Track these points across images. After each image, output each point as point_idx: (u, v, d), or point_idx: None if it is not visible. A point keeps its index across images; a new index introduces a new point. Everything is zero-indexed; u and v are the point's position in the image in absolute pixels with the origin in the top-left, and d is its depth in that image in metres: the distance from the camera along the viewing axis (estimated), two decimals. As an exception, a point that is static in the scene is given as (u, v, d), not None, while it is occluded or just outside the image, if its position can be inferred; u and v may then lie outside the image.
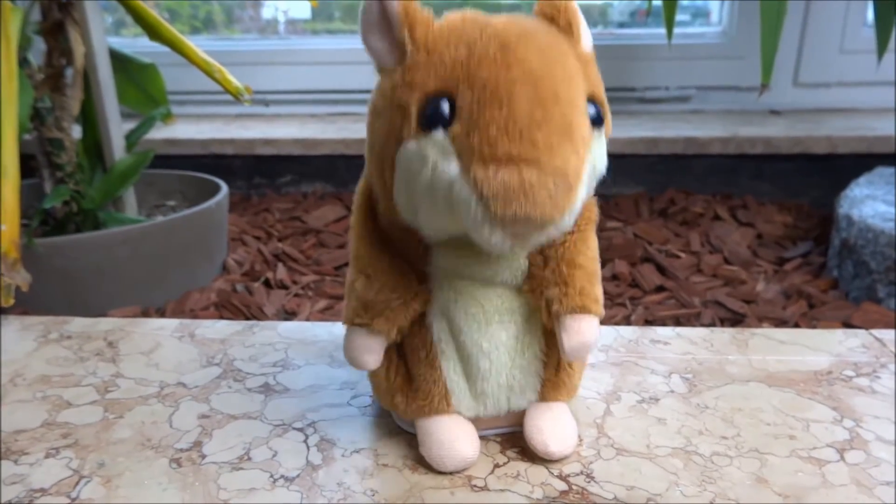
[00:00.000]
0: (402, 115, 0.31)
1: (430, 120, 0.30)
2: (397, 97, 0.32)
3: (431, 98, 0.30)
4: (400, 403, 0.40)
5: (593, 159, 0.32)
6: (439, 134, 0.30)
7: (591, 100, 0.32)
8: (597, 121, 0.32)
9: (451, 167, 0.29)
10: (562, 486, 0.38)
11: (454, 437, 0.39)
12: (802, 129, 1.03)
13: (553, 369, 0.40)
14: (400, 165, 0.32)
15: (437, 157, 0.30)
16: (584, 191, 0.30)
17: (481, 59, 0.29)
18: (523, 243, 0.30)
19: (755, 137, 0.99)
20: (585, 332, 0.36)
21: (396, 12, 0.32)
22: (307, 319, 0.69)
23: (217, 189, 0.81)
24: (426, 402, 0.39)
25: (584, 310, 0.37)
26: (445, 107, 0.30)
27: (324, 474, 0.39)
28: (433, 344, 0.39)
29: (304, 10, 1.34)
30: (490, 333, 0.38)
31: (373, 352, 0.38)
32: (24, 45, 0.69)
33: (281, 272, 0.80)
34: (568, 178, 0.28)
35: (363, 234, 0.38)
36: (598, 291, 0.38)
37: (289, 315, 0.71)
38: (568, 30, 0.34)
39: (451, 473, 0.39)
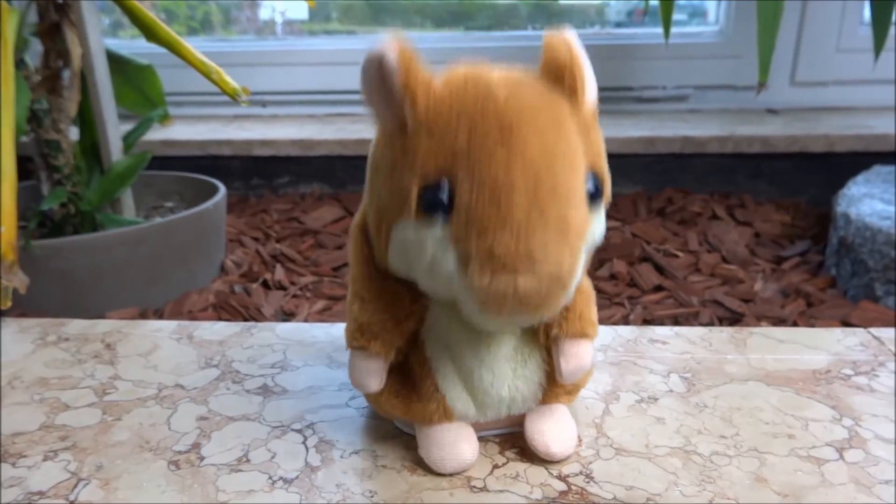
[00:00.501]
0: (401, 195, 0.31)
1: (430, 206, 0.30)
2: (397, 175, 0.32)
3: (431, 182, 0.30)
4: (399, 418, 0.41)
5: (591, 237, 0.33)
6: (438, 223, 0.30)
7: (591, 170, 0.32)
8: (595, 195, 0.32)
9: (449, 262, 0.30)
10: (561, 486, 0.38)
11: (453, 439, 0.39)
12: (800, 127, 1.03)
13: (556, 378, 0.40)
14: (396, 238, 0.33)
15: (435, 248, 0.31)
16: (578, 278, 0.31)
17: (482, 142, 0.29)
18: (514, 328, 0.34)
19: (753, 136, 1.00)
20: (582, 356, 0.37)
21: (396, 77, 0.30)
22: (305, 320, 0.69)
23: (215, 190, 0.81)
24: (425, 416, 0.39)
25: (582, 335, 0.37)
26: (445, 195, 0.30)
27: (322, 476, 0.39)
28: (429, 360, 0.39)
29: (301, 11, 1.34)
30: (490, 346, 0.38)
31: (373, 374, 0.38)
32: (20, 46, 0.69)
33: (279, 273, 0.80)
34: (562, 280, 0.29)
35: (358, 257, 0.38)
36: (594, 313, 0.39)
37: (287, 316, 0.71)
38: (573, 91, 0.32)
39: (450, 475, 0.39)
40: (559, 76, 0.32)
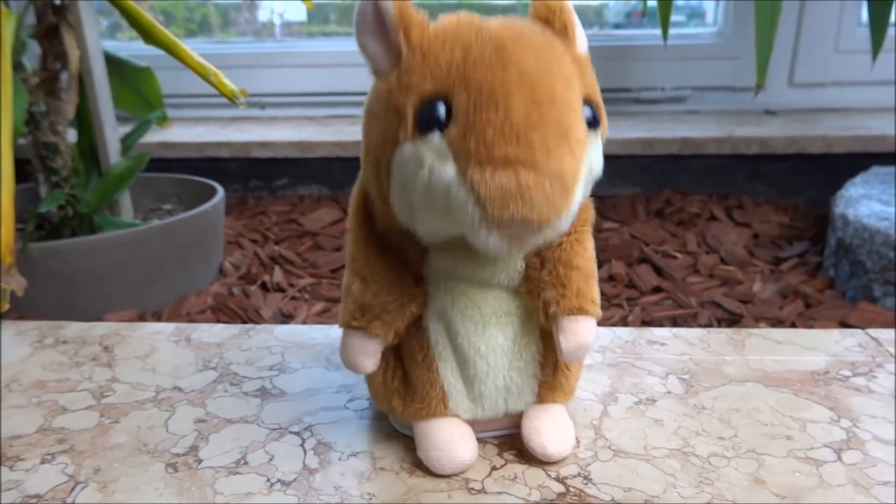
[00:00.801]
0: (397, 117, 0.31)
1: (427, 122, 0.30)
2: (393, 100, 0.32)
3: (427, 100, 0.30)
4: (397, 406, 0.40)
5: (589, 161, 0.32)
6: (435, 137, 0.30)
7: (587, 102, 0.32)
8: (593, 123, 0.32)
9: (448, 170, 0.29)
10: (559, 488, 0.38)
11: (452, 439, 0.39)
12: (798, 128, 1.03)
13: (550, 371, 0.40)
14: (396, 168, 0.32)
15: (433, 160, 0.30)
16: (580, 192, 0.30)
17: (477, 61, 0.29)
18: (520, 245, 0.31)
19: (751, 137, 1.00)
20: (583, 333, 0.36)
21: (391, 15, 0.31)
22: (304, 322, 0.69)
23: (213, 192, 0.81)
24: (423, 405, 0.39)
25: (581, 311, 0.37)
26: (441, 109, 0.30)
27: (321, 478, 0.39)
28: (430, 346, 0.39)
29: (299, 13, 1.34)
30: (487, 335, 0.38)
31: (369, 355, 0.38)
32: (18, 48, 0.69)
33: (277, 275, 0.80)
34: (565, 180, 0.28)
35: (359, 237, 0.38)
36: (595, 293, 0.38)
37: (286, 318, 0.71)
38: (563, 32, 0.33)
39: (448, 476, 0.39)
40: (549, 20, 0.34)
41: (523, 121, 0.28)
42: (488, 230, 0.29)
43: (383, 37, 0.32)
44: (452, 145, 0.29)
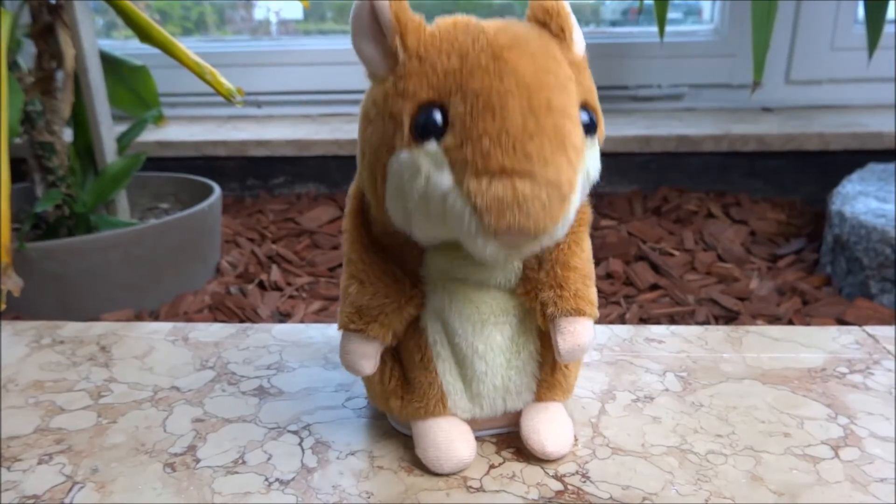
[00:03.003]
0: (394, 124, 0.31)
1: (423, 130, 0.30)
2: (389, 106, 0.31)
3: (424, 108, 0.30)
4: (395, 407, 0.40)
5: (586, 166, 0.32)
6: (432, 144, 0.30)
7: (584, 106, 0.32)
8: (590, 128, 0.32)
9: (445, 179, 0.29)
10: (557, 486, 0.38)
11: (450, 438, 0.39)
12: (794, 125, 1.03)
13: (549, 369, 0.40)
14: (392, 174, 0.32)
15: (429, 168, 0.30)
16: (577, 199, 0.30)
17: (473, 68, 0.29)
18: (517, 253, 0.31)
19: (747, 135, 1.00)
20: (580, 334, 0.37)
21: (387, 18, 0.31)
22: (301, 321, 0.69)
23: (210, 191, 0.81)
24: (422, 405, 0.39)
25: (578, 312, 0.37)
26: (438, 117, 0.30)
27: (319, 477, 0.39)
28: (428, 347, 0.39)
29: (296, 11, 1.33)
30: (485, 335, 0.38)
31: (368, 357, 0.38)
32: (13, 48, 0.69)
33: (275, 274, 0.80)
34: (561, 189, 0.28)
35: (356, 239, 0.38)
36: (593, 293, 0.38)
37: (283, 317, 0.71)
38: (560, 34, 0.33)
39: (447, 475, 0.39)
40: (546, 22, 0.33)
41: (520, 130, 0.28)
42: (485, 239, 0.29)
43: (379, 40, 0.32)
44: (449, 154, 0.29)
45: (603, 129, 0.34)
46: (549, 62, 0.31)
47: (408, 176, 0.31)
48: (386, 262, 0.37)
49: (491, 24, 0.32)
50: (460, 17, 0.33)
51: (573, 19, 0.34)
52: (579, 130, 0.30)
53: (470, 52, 0.30)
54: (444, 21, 0.33)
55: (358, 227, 0.38)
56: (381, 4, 0.31)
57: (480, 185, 0.28)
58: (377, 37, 0.32)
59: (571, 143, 0.29)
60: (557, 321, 0.37)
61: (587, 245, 0.39)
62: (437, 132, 0.30)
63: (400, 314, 0.37)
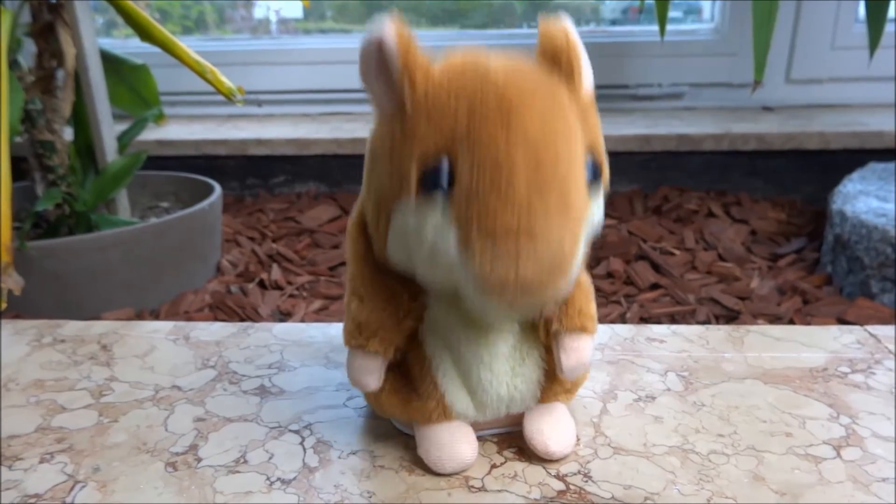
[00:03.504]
0: (400, 175, 0.31)
1: (430, 184, 0.30)
2: (396, 153, 0.31)
3: (431, 161, 0.30)
4: (397, 416, 0.41)
5: (591, 221, 0.32)
6: (438, 204, 0.30)
7: (590, 153, 0.32)
8: (594, 177, 0.32)
9: (450, 238, 0.29)
10: (559, 485, 0.38)
11: (453, 439, 0.39)
12: (795, 125, 1.03)
13: (554, 374, 0.40)
14: (396, 222, 0.32)
15: (436, 225, 0.30)
16: (580, 259, 0.30)
17: (482, 122, 0.29)
18: (519, 313, 0.32)
19: (748, 134, 1.00)
20: (584, 351, 0.37)
21: (395, 58, 0.31)
22: (302, 320, 0.69)
23: (210, 190, 0.81)
24: (424, 415, 0.39)
25: (582, 330, 0.37)
26: (445, 173, 0.30)
27: (320, 476, 0.39)
28: (430, 357, 0.39)
29: (296, 10, 1.33)
30: (489, 344, 0.38)
31: (371, 372, 0.38)
32: (13, 47, 0.68)
33: (275, 273, 0.80)
34: (563, 253, 0.28)
35: (356, 255, 0.38)
36: (594, 309, 0.38)
37: (284, 316, 0.71)
38: (569, 73, 0.32)
39: (448, 475, 0.39)
40: (556, 61, 0.33)
41: (525, 190, 0.28)
42: (488, 301, 0.29)
43: (387, 80, 0.31)
44: (455, 212, 0.29)
45: (607, 175, 0.34)
46: (558, 121, 0.30)
47: (413, 228, 0.31)
48: (384, 277, 0.37)
49: (499, 66, 0.31)
50: (468, 55, 0.32)
51: (583, 56, 0.34)
52: (584, 187, 0.30)
53: (478, 101, 0.29)
54: (451, 60, 0.32)
55: (359, 244, 0.38)
56: (389, 43, 0.30)
57: (485, 246, 0.28)
58: (385, 76, 0.31)
59: (575, 212, 0.29)
60: (562, 338, 0.37)
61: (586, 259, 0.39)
62: (444, 189, 0.30)
63: (399, 329, 0.37)
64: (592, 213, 0.33)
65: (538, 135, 0.29)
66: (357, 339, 0.37)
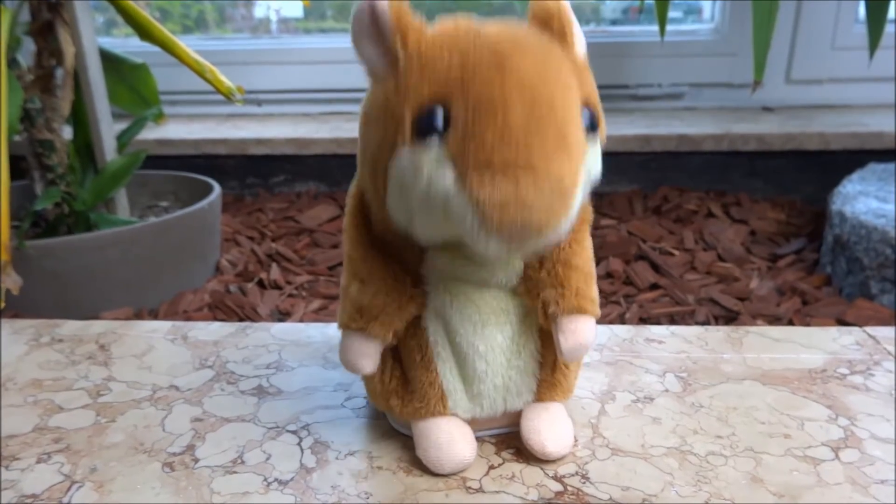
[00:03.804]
0: (395, 123, 0.31)
1: (425, 128, 0.30)
2: (391, 106, 0.31)
3: (425, 106, 0.30)
4: (395, 406, 0.40)
5: (588, 166, 0.32)
6: (434, 142, 0.30)
7: (586, 106, 0.32)
8: (591, 127, 0.32)
9: (447, 176, 0.29)
10: (557, 486, 0.38)
11: (451, 438, 0.39)
12: (795, 125, 1.03)
13: (549, 369, 0.40)
14: (393, 174, 0.32)
15: (431, 166, 0.30)
16: (580, 198, 0.30)
17: (476, 67, 0.29)
18: (520, 251, 0.30)
19: (748, 134, 1.00)
20: (582, 333, 0.37)
21: (388, 19, 0.31)
22: (301, 320, 0.69)
23: (210, 189, 0.81)
24: (422, 405, 0.39)
25: (580, 311, 0.37)
26: (440, 115, 0.29)
27: (318, 477, 0.39)
28: (429, 346, 0.39)
29: (296, 9, 1.33)
30: (486, 335, 0.38)
31: (368, 356, 0.38)
32: (13, 45, 0.68)
33: (275, 272, 0.80)
34: (564, 185, 0.28)
35: (356, 238, 0.38)
36: (594, 292, 0.38)
37: (283, 315, 0.71)
38: (562, 35, 0.33)
39: (447, 475, 0.39)
40: (548, 24, 0.33)
41: (522, 127, 0.28)
42: (488, 236, 0.28)
43: (380, 41, 0.32)
44: (451, 151, 0.29)
45: (604, 128, 0.34)
46: (551, 62, 0.30)
47: (409, 175, 0.31)
48: (387, 261, 0.37)
49: (492, 25, 0.32)
50: (461, 19, 0.33)
51: (574, 20, 0.34)
52: (581, 129, 0.30)
53: (471, 51, 0.30)
54: (444, 22, 0.32)
55: (358, 226, 0.38)
56: (382, 5, 0.31)
57: (483, 180, 0.28)
58: (377, 38, 0.32)
59: (573, 140, 0.29)
60: (559, 320, 0.37)
61: (588, 244, 0.39)
62: (440, 130, 0.29)
63: (401, 313, 0.37)
64: (590, 161, 0.32)
65: (534, 78, 0.29)
66: (357, 322, 0.37)
